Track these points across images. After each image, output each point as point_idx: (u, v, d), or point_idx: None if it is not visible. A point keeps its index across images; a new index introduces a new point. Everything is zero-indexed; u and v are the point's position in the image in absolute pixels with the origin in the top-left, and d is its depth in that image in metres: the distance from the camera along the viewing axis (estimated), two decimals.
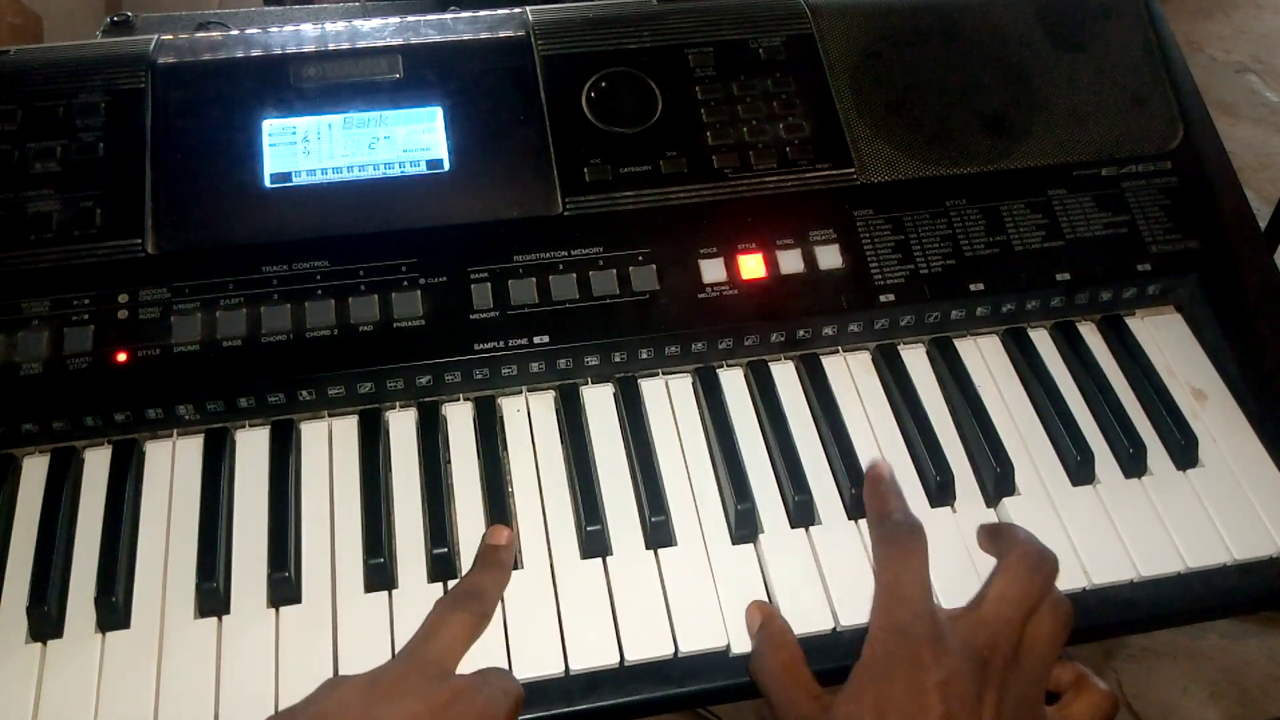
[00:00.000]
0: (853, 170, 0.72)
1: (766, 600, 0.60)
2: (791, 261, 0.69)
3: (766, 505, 0.63)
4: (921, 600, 0.53)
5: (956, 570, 0.61)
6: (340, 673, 0.56)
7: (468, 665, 0.56)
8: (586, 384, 0.68)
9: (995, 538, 0.60)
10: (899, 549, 0.56)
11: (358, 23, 0.75)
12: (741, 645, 0.58)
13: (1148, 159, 0.75)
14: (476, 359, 0.65)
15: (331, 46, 0.73)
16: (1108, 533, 0.63)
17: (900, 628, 0.52)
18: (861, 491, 0.62)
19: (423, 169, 0.70)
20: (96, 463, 0.64)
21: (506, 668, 0.57)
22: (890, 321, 0.70)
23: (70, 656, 0.57)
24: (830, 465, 0.65)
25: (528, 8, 0.77)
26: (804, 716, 0.53)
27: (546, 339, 0.66)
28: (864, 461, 0.65)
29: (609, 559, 0.61)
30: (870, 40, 0.77)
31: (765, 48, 0.76)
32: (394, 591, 0.59)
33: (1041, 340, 0.72)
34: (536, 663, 0.57)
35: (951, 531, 0.63)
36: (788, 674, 0.55)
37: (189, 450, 0.65)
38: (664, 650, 0.58)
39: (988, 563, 0.61)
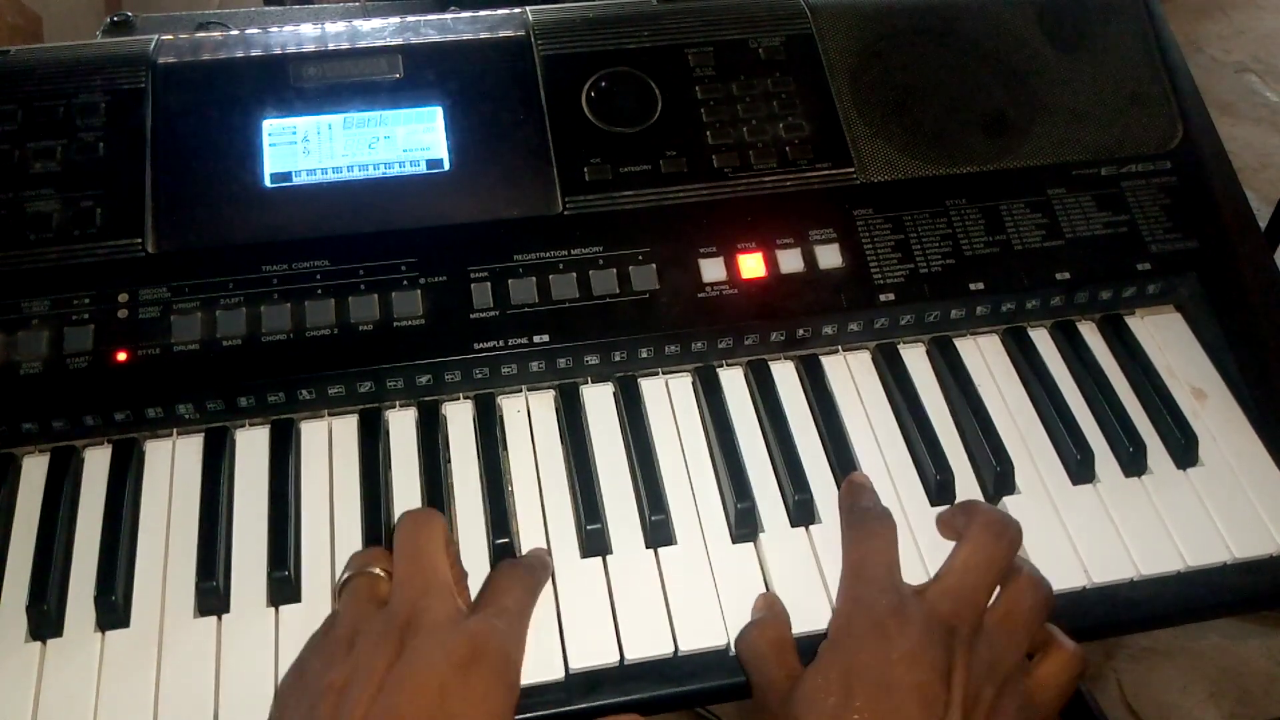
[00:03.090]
0: (852, 170, 0.72)
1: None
2: (791, 261, 0.69)
3: (766, 504, 0.63)
4: (885, 577, 0.53)
5: None
6: None
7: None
8: (586, 383, 0.68)
9: (956, 516, 0.60)
10: (865, 531, 0.57)
11: (358, 23, 0.75)
12: None
13: (1147, 158, 0.75)
14: (476, 358, 0.65)
15: (331, 46, 0.73)
16: (1108, 532, 0.63)
17: (864, 602, 0.52)
18: None
19: (423, 169, 0.70)
20: (96, 462, 0.64)
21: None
22: (890, 321, 0.70)
23: (70, 655, 0.57)
24: (830, 464, 0.65)
25: (528, 8, 0.77)
26: (777, 690, 0.53)
27: (546, 338, 0.66)
28: (864, 461, 0.65)
29: (609, 558, 0.61)
30: (870, 40, 0.77)
31: (765, 48, 0.76)
32: None
33: (1041, 339, 0.72)
34: (536, 663, 0.57)
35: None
36: (771, 650, 0.55)
37: (189, 449, 0.65)
38: (664, 649, 0.58)
39: None
